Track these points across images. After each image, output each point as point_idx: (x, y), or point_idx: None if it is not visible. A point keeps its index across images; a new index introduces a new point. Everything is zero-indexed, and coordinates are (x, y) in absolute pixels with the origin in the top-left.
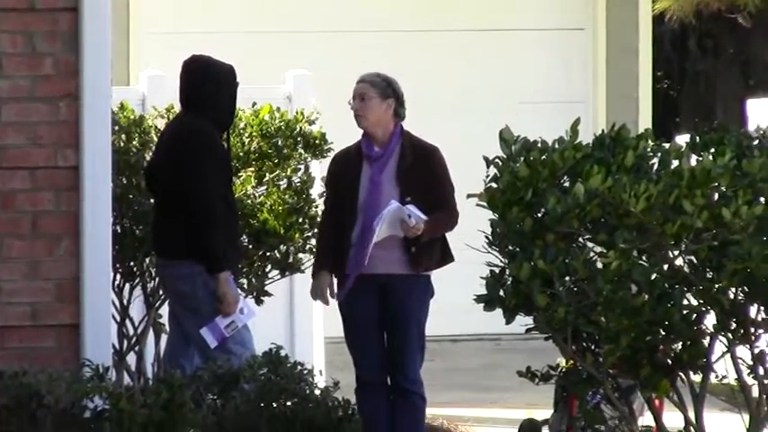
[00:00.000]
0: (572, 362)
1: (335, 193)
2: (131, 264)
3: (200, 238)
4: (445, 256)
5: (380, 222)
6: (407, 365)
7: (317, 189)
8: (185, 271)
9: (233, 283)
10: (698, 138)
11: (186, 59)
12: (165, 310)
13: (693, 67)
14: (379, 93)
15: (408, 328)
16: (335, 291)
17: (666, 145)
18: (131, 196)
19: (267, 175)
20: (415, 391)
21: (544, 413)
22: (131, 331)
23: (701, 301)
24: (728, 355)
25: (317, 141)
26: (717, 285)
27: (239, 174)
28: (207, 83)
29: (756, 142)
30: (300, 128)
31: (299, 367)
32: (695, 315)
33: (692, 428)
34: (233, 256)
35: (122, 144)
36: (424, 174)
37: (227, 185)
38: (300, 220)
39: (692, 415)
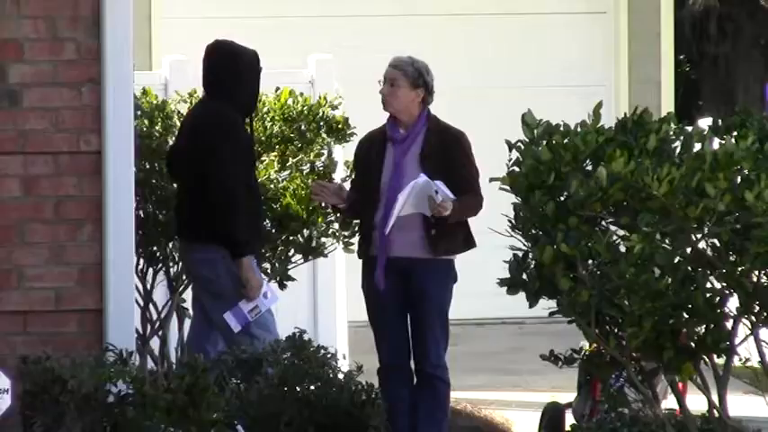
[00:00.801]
0: (595, 345)
1: (360, 174)
2: (154, 248)
3: (223, 222)
4: (468, 241)
5: (407, 195)
6: (430, 350)
7: (340, 173)
8: (209, 255)
9: (256, 267)
10: (720, 121)
11: (209, 44)
12: (188, 295)
13: (714, 51)
14: (409, 82)
15: (431, 312)
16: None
17: (689, 128)
18: (154, 181)
19: (290, 159)
20: (439, 376)
21: (568, 396)
22: (155, 316)
23: (724, 284)
24: (752, 338)
25: (339, 126)
26: (740, 268)
27: (262, 158)
28: (230, 68)
29: None
30: (323, 112)
31: (323, 351)
32: (718, 298)
33: (715, 411)
34: (256, 240)
35: (145, 129)
36: (448, 158)
37: (250, 170)
38: (323, 204)
39: (715, 398)
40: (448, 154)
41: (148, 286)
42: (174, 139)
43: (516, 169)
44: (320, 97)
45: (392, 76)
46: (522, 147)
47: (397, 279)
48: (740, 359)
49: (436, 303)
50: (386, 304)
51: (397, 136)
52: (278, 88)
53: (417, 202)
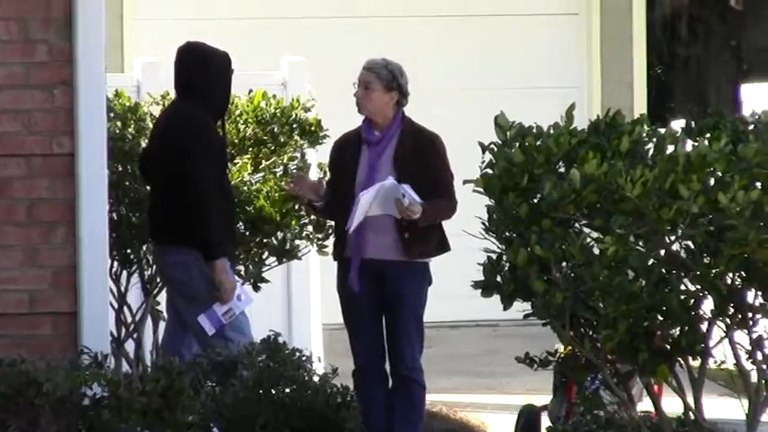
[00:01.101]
0: (570, 348)
1: (335, 175)
2: (128, 251)
3: (196, 225)
4: (443, 245)
5: (373, 195)
6: (405, 353)
7: (314, 176)
8: (181, 258)
9: (230, 269)
10: (693, 123)
11: (181, 46)
12: (163, 297)
13: (686, 52)
14: (383, 85)
15: (405, 315)
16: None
17: (662, 130)
18: (127, 183)
19: (263, 161)
20: (414, 378)
21: (543, 399)
22: (129, 318)
23: (699, 287)
24: (727, 341)
25: (312, 128)
26: (714, 270)
27: (235, 161)
28: (201, 70)
29: (752, 127)
30: (296, 114)
31: (298, 354)
32: (693, 300)
33: (690, 414)
34: (229, 242)
35: (118, 131)
36: (421, 160)
37: (223, 173)
38: (297, 206)
39: (690, 400)
40: (422, 156)
41: (123, 289)
42: (146, 141)
43: (489, 171)
44: (293, 99)
45: (366, 78)
46: (495, 149)
47: (371, 281)
48: (715, 361)
49: (411, 306)
50: (360, 306)
51: (372, 138)
52: (251, 90)
53: (384, 204)
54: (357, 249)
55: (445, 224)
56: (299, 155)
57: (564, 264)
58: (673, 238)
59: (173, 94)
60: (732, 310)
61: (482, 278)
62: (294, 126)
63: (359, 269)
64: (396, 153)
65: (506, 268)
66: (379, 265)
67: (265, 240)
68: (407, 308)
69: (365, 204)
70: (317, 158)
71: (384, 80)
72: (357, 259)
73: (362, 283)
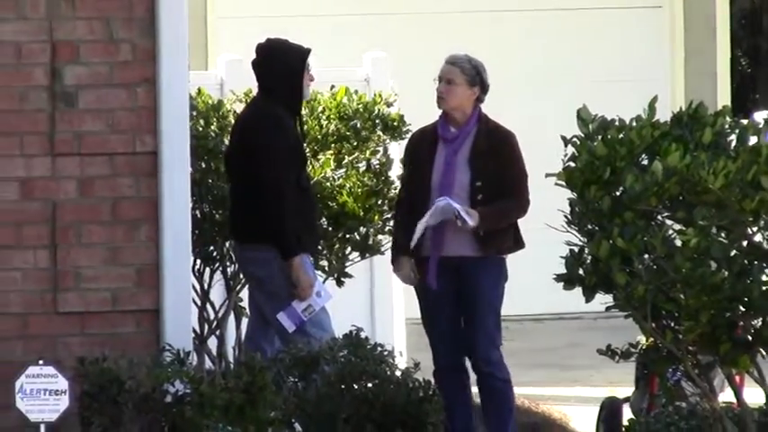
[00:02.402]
0: (652, 339)
1: (411, 172)
2: (211, 248)
3: (272, 224)
4: (517, 242)
5: (427, 218)
6: (483, 348)
7: (396, 171)
8: (261, 255)
9: (309, 266)
10: None
11: (260, 43)
12: (245, 294)
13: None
14: (467, 80)
15: (482, 310)
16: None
17: (744, 122)
18: (210, 181)
19: (346, 157)
20: (494, 374)
21: (626, 391)
22: (212, 315)
23: None
24: None
25: (395, 123)
26: None
27: (318, 157)
28: (279, 67)
29: None
30: (379, 110)
31: (380, 349)
32: None
33: None
34: (309, 239)
35: (201, 129)
36: (496, 159)
37: (300, 170)
38: (379, 202)
39: None
40: (496, 154)
41: (205, 286)
42: (228, 139)
43: (572, 164)
44: (375, 95)
45: (449, 74)
46: (578, 142)
47: (449, 279)
48: None
49: (488, 301)
50: (439, 304)
51: (448, 135)
52: (333, 86)
53: (440, 218)
54: (435, 247)
55: (527, 218)
56: (381, 150)
57: (646, 256)
58: (755, 228)
59: (255, 92)
60: None
61: (564, 271)
62: (377, 121)
63: (437, 267)
64: (471, 151)
65: (588, 261)
66: (457, 261)
67: (348, 236)
68: (485, 303)
69: (421, 227)
70: (400, 153)
71: (468, 75)
72: (435, 257)
73: (441, 281)
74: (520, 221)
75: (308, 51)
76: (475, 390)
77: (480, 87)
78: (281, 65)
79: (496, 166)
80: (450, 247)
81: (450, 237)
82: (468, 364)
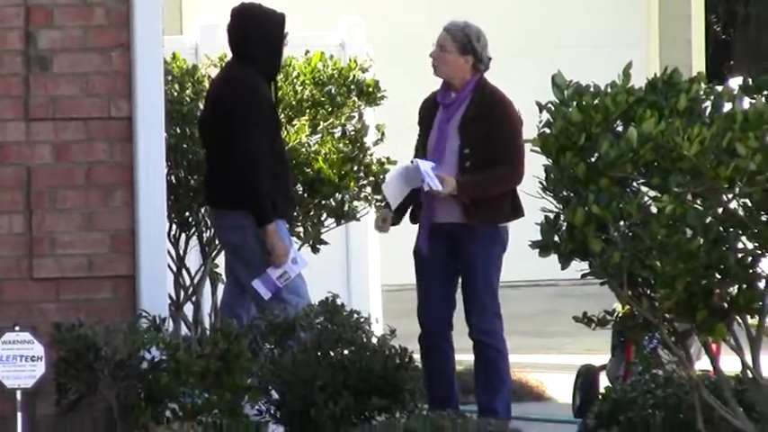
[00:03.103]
0: (628, 307)
1: (418, 136)
2: (187, 214)
3: (246, 190)
4: (515, 211)
5: (396, 176)
6: (475, 315)
7: (372, 137)
8: (236, 222)
9: (285, 233)
10: (750, 80)
11: (235, 7)
12: (221, 260)
13: (744, 11)
14: (457, 47)
15: (475, 278)
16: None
17: (719, 88)
18: (185, 146)
19: (321, 123)
20: (486, 342)
21: (602, 358)
22: (188, 282)
23: (757, 244)
24: None
25: (370, 89)
26: None
27: (293, 122)
28: (254, 31)
29: None
30: (354, 75)
31: (356, 316)
32: (750, 258)
33: (748, 372)
34: (284, 205)
35: (175, 94)
36: (486, 126)
37: (275, 135)
38: (355, 168)
39: (748, 358)
40: (486, 121)
41: (181, 252)
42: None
43: (547, 131)
44: (350, 60)
45: (442, 40)
46: (553, 108)
47: (442, 245)
48: None
49: (480, 269)
50: (429, 269)
51: (446, 100)
52: (308, 51)
53: (411, 182)
54: (427, 213)
55: (517, 191)
56: (356, 116)
57: (621, 223)
58: (730, 196)
59: (230, 57)
60: None
61: (540, 238)
62: (352, 87)
63: (429, 232)
64: (462, 118)
65: (564, 228)
66: (449, 228)
67: (324, 202)
68: (477, 271)
69: (391, 185)
70: (376, 119)
71: (459, 42)
72: (427, 223)
73: (433, 246)
74: None
75: (284, 17)
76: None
77: (473, 55)
78: (259, 30)
79: (486, 133)
80: (441, 214)
81: (441, 203)
82: (453, 333)
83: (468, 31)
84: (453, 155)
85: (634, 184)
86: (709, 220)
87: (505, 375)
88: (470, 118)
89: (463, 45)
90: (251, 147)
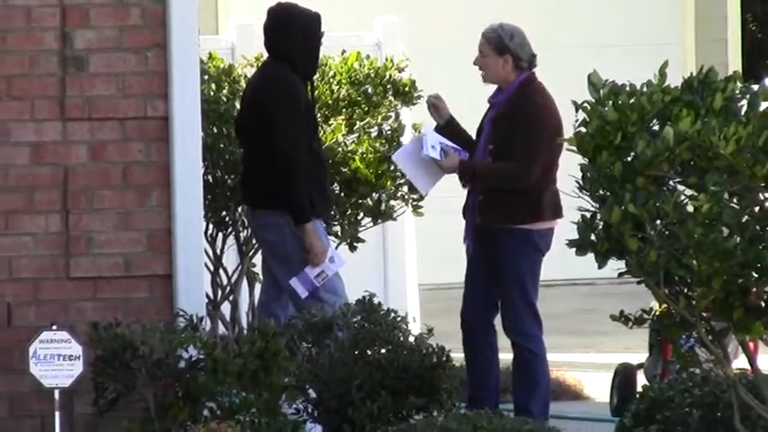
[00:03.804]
0: (665, 306)
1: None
2: (224, 213)
3: (283, 189)
4: (532, 212)
5: (404, 149)
6: (508, 317)
7: (408, 136)
8: (273, 221)
9: (322, 232)
10: None
11: (271, 7)
12: (258, 259)
13: None
14: (494, 49)
15: (506, 280)
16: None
17: (755, 87)
18: (222, 146)
19: (357, 122)
20: (520, 343)
21: (639, 357)
22: (225, 281)
23: None
24: None
25: (406, 89)
26: None
27: (329, 122)
28: (290, 31)
29: None
30: (390, 75)
31: (393, 314)
32: None
33: None
34: (321, 204)
35: (212, 94)
36: (511, 124)
37: (312, 134)
38: (392, 167)
39: None
40: (512, 120)
41: (218, 251)
42: (239, 104)
43: (583, 130)
44: (387, 60)
45: (480, 45)
46: (589, 107)
47: (483, 244)
48: None
49: (511, 271)
50: (471, 266)
51: (492, 99)
52: (344, 51)
53: (417, 161)
54: (470, 212)
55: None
56: (393, 115)
57: (658, 221)
58: (767, 194)
59: (266, 57)
60: None
61: (576, 237)
62: (388, 87)
63: (472, 231)
64: (495, 114)
65: (600, 227)
66: (486, 228)
67: (360, 201)
68: (507, 273)
69: (402, 154)
70: (412, 119)
71: (494, 44)
72: (470, 221)
73: (475, 246)
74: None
75: (319, 16)
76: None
77: (511, 54)
78: (296, 30)
79: (509, 130)
80: (475, 213)
81: (475, 203)
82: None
83: (501, 31)
84: (483, 151)
85: (670, 182)
86: (745, 218)
87: (540, 376)
88: (501, 115)
89: (498, 46)
90: (288, 145)
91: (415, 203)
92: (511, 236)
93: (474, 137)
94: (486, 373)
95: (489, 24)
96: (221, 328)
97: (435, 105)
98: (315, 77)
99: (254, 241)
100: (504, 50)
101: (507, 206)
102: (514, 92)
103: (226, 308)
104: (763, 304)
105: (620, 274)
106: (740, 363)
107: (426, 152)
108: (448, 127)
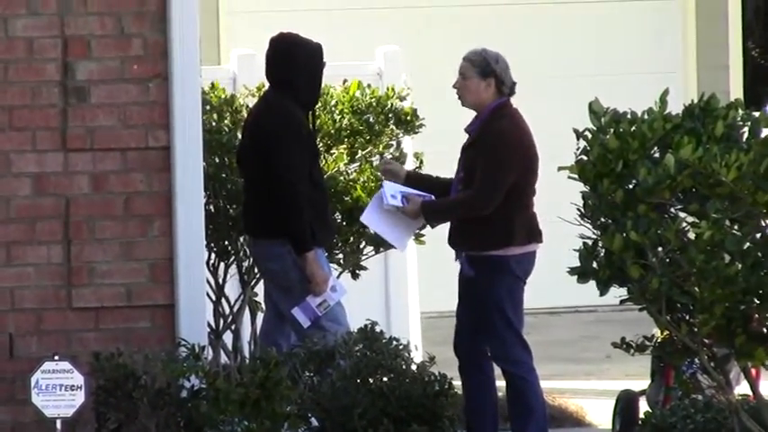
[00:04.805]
0: (667, 332)
1: None
2: (226, 243)
3: (285, 218)
4: (508, 239)
5: (372, 207)
6: (494, 345)
7: (410, 165)
8: (275, 250)
9: (324, 261)
10: None
11: (273, 37)
12: (260, 289)
13: None
14: (477, 72)
15: (486, 308)
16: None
17: (756, 114)
18: (224, 175)
19: (359, 151)
20: (508, 371)
21: (642, 384)
22: (227, 310)
23: None
24: None
25: (408, 117)
26: None
27: (331, 151)
28: (291, 61)
29: None
30: (392, 104)
31: (395, 342)
32: None
33: None
34: (322, 233)
35: (214, 124)
36: (478, 151)
37: (313, 164)
38: None
39: None
40: (479, 147)
41: (220, 280)
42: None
43: (584, 158)
44: (388, 89)
45: (462, 68)
46: (590, 135)
47: (468, 272)
48: None
49: (489, 299)
50: (460, 296)
51: (468, 128)
52: (345, 80)
53: (384, 215)
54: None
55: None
56: (394, 144)
57: (660, 249)
58: None
59: (267, 86)
60: None
61: (578, 264)
62: (390, 115)
63: (459, 259)
64: (465, 142)
65: (602, 254)
66: (461, 255)
67: (362, 230)
68: (487, 301)
69: (369, 214)
70: (414, 147)
71: (478, 67)
72: (458, 250)
73: (462, 273)
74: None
75: (321, 46)
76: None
77: (494, 77)
78: (297, 59)
79: (474, 157)
80: (457, 242)
81: (455, 232)
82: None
83: (486, 54)
84: (457, 181)
85: (672, 210)
86: (747, 245)
87: (534, 402)
88: (470, 143)
89: (483, 69)
90: (290, 175)
91: (417, 232)
92: (485, 263)
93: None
94: (482, 400)
95: (471, 50)
96: (223, 358)
97: (388, 171)
98: (317, 107)
99: (255, 270)
100: (488, 74)
101: (478, 233)
102: (486, 117)
103: (228, 337)
104: (766, 330)
105: (622, 302)
106: (742, 389)
107: (387, 202)
108: (410, 180)
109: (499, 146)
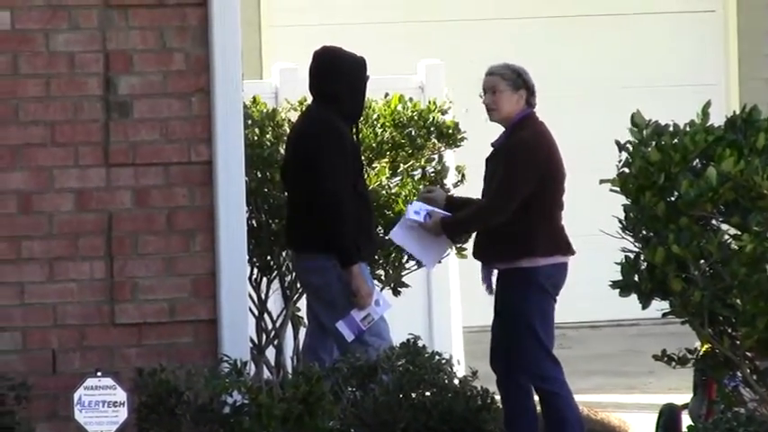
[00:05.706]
0: (709, 345)
1: None
2: (268, 257)
3: (330, 232)
4: (530, 252)
5: (400, 227)
6: (523, 361)
7: (452, 179)
8: (319, 264)
9: (367, 275)
10: None
11: (316, 51)
12: (303, 303)
13: None
14: (510, 85)
15: (514, 323)
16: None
17: None
18: (266, 190)
19: (401, 165)
20: (542, 387)
21: (684, 397)
22: (270, 325)
23: None
24: None
25: (450, 131)
26: None
27: (373, 165)
28: (334, 75)
29: None
30: (433, 117)
31: (437, 357)
32: None
33: None
34: (366, 247)
35: (256, 138)
36: (496, 163)
37: (358, 178)
38: None
39: None
40: (498, 159)
41: (263, 295)
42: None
43: (626, 170)
44: (430, 102)
45: (492, 83)
46: (632, 148)
47: (497, 287)
48: None
49: (517, 314)
50: (494, 311)
51: (495, 142)
52: (387, 94)
53: (413, 233)
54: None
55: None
56: (436, 158)
57: (702, 261)
58: None
59: (310, 100)
60: None
61: (620, 278)
62: (431, 129)
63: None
64: (489, 155)
65: (644, 267)
66: (489, 270)
67: None
68: (514, 315)
69: (400, 239)
70: (456, 161)
71: (509, 80)
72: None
73: (493, 288)
74: (570, 228)
75: (364, 60)
76: None
77: (526, 89)
78: (341, 73)
79: (495, 168)
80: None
81: (475, 243)
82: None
83: (514, 67)
84: (483, 193)
85: (714, 222)
86: None
87: (569, 415)
88: (493, 155)
89: (514, 81)
90: (335, 188)
91: (459, 246)
92: (512, 276)
93: None
94: (520, 413)
95: (491, 65)
96: (266, 373)
97: (429, 198)
98: (359, 120)
99: (298, 285)
100: (519, 86)
101: (500, 244)
102: (511, 129)
103: (270, 352)
104: None
105: (665, 315)
106: None
107: (409, 217)
108: (451, 205)
109: (517, 154)
